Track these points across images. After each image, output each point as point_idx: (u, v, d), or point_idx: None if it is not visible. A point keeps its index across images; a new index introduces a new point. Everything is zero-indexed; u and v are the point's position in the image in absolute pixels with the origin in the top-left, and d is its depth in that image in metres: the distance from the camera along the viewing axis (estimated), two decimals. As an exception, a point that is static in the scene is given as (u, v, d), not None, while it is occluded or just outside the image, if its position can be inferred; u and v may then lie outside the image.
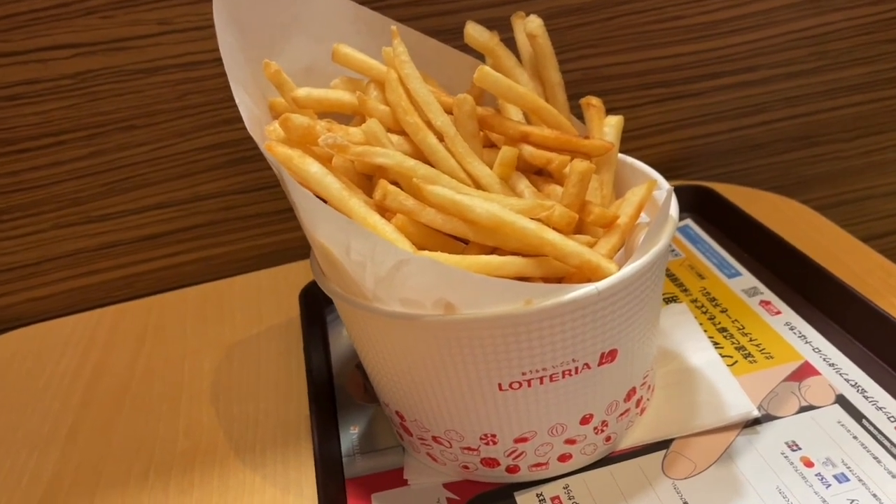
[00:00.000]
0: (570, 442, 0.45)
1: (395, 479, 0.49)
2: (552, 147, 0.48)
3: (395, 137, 0.46)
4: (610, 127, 0.50)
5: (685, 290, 0.62)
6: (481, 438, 0.45)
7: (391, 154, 0.43)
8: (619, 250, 0.43)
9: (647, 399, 0.49)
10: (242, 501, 0.51)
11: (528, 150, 0.48)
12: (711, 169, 0.91)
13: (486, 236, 0.43)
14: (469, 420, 0.44)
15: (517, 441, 0.45)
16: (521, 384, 0.42)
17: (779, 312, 0.57)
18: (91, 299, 0.83)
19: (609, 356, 0.43)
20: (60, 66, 0.71)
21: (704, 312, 0.59)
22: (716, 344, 0.55)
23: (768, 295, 0.59)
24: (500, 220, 0.42)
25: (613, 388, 0.45)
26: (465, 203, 0.42)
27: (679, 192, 0.73)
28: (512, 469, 0.46)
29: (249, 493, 0.51)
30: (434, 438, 0.47)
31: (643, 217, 0.48)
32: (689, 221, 0.71)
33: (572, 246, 0.41)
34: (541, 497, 0.46)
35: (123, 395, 0.64)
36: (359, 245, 0.39)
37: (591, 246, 0.43)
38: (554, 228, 0.42)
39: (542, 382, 0.42)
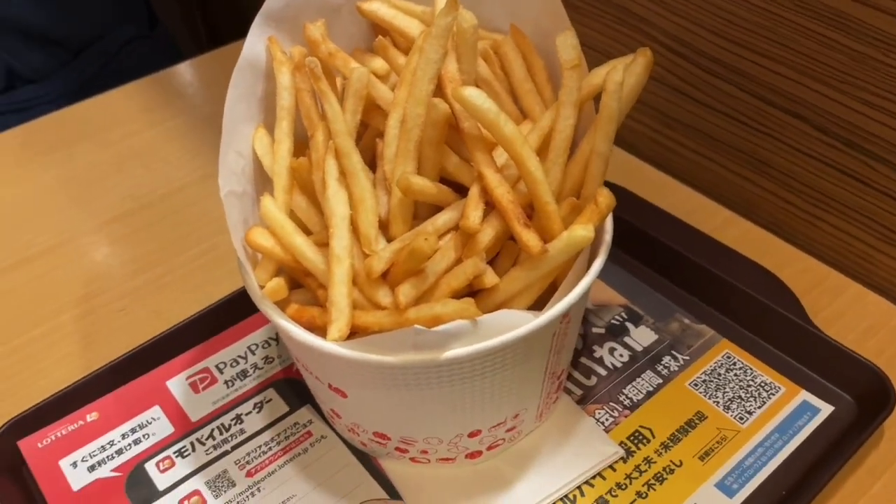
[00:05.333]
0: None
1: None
2: (494, 206, 0.43)
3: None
4: (567, 234, 0.41)
5: (665, 446, 0.50)
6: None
7: (336, 112, 0.45)
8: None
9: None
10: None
11: (471, 190, 0.44)
12: None
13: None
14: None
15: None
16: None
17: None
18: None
19: (336, 391, 0.45)
20: None
21: (620, 486, 0.49)
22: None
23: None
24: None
25: (360, 417, 0.47)
26: (325, 193, 0.44)
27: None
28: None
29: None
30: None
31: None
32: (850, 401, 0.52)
33: (336, 295, 0.41)
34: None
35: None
36: None
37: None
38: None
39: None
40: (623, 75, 0.42)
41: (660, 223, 0.64)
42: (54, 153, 0.79)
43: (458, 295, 0.43)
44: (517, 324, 0.42)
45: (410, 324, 0.41)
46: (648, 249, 0.62)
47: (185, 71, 0.92)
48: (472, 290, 0.44)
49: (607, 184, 0.45)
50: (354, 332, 0.42)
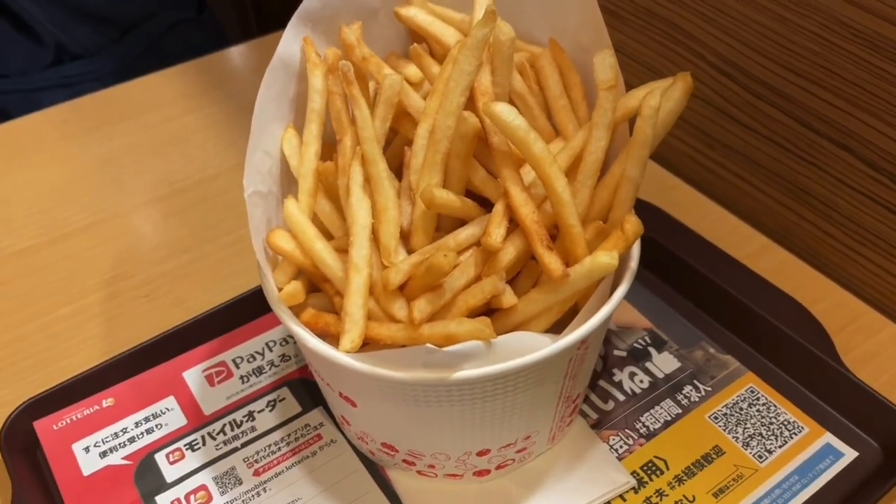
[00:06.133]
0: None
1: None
2: (519, 225, 0.42)
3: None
4: (590, 259, 0.40)
5: (679, 480, 0.49)
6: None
7: (365, 118, 0.44)
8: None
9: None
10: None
11: (496, 207, 0.43)
12: None
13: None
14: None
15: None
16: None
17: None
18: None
19: (346, 399, 0.44)
20: None
21: (648, 510, 0.48)
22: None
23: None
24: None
25: (369, 427, 0.47)
26: (349, 200, 0.43)
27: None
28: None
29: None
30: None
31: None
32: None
33: (351, 306, 0.41)
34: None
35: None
36: None
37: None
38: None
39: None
40: (660, 100, 0.41)
41: (691, 246, 0.63)
42: (95, 132, 0.80)
43: (474, 313, 0.42)
44: (532, 347, 0.41)
45: (424, 340, 0.40)
46: (678, 273, 0.61)
47: (227, 58, 0.92)
48: (490, 309, 0.44)
49: (639, 202, 0.44)
50: (367, 344, 0.42)
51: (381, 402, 0.43)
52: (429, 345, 0.38)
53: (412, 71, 0.48)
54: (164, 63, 0.91)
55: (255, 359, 0.57)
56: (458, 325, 0.40)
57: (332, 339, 0.43)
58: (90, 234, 0.69)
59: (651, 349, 0.57)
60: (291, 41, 0.48)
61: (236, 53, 0.93)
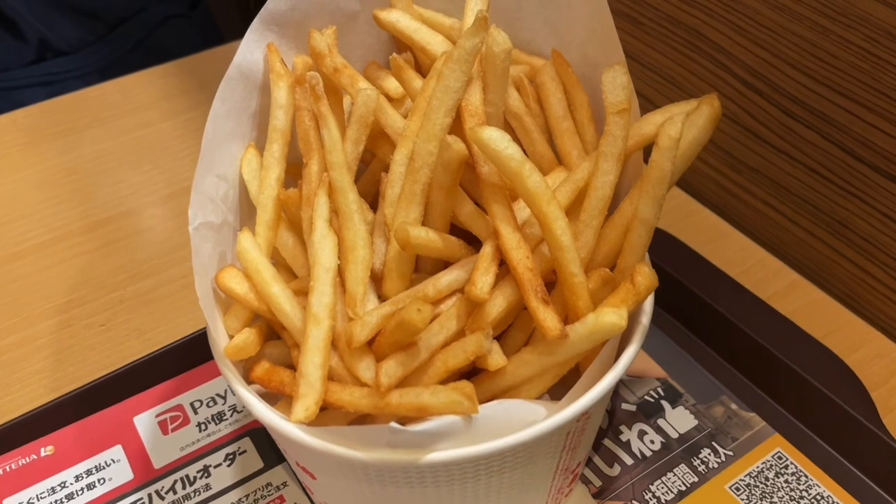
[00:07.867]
0: None
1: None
2: (511, 270, 0.36)
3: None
4: (594, 318, 0.33)
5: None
6: None
7: (335, 140, 0.38)
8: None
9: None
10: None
11: (484, 250, 0.36)
12: None
13: (309, 276, 0.37)
14: None
15: None
16: None
17: None
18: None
19: (304, 470, 0.38)
20: None
21: None
22: None
23: None
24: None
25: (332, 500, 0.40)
26: (311, 236, 0.37)
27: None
28: None
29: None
30: None
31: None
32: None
33: (307, 366, 0.34)
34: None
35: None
36: None
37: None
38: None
39: None
40: (681, 129, 0.34)
41: (711, 282, 0.56)
42: (63, 137, 0.74)
43: (456, 375, 0.36)
44: (522, 421, 0.34)
45: (391, 409, 0.34)
46: (695, 314, 0.54)
47: (214, 58, 0.85)
48: (475, 368, 0.37)
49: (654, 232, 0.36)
50: (326, 408, 0.36)
51: (341, 479, 0.36)
52: (393, 424, 0.31)
53: (392, 85, 0.41)
54: (153, 61, 0.85)
55: (215, 402, 0.51)
56: (432, 396, 0.33)
57: (290, 400, 0.36)
58: (45, 252, 0.63)
59: (664, 403, 0.50)
60: (253, 48, 0.41)
61: (227, 53, 0.87)
